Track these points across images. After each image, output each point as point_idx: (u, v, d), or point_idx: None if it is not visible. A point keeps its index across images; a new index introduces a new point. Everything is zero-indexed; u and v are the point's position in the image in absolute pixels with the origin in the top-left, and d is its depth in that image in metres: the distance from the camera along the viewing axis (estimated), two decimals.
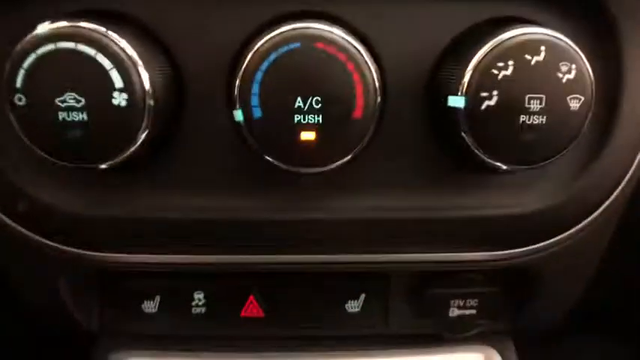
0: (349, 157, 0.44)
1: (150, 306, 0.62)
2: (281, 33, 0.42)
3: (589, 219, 0.54)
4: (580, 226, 0.54)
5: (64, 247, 0.52)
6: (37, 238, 0.52)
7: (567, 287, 0.62)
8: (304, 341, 0.65)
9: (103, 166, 0.44)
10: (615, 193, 0.53)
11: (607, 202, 0.53)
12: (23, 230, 0.51)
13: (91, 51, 0.41)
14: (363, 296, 0.63)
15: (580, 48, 0.44)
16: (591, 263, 0.60)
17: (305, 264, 0.54)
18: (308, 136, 0.43)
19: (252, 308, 0.62)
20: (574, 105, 0.44)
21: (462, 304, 0.63)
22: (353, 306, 0.63)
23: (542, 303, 0.62)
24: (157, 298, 0.61)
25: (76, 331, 0.63)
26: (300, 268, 0.55)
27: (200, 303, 0.62)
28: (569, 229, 0.54)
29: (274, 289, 0.62)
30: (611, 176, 0.52)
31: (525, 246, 0.54)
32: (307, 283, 0.62)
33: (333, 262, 0.54)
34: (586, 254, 0.58)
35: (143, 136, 0.43)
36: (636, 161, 0.52)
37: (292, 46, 0.41)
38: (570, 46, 0.43)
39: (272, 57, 0.42)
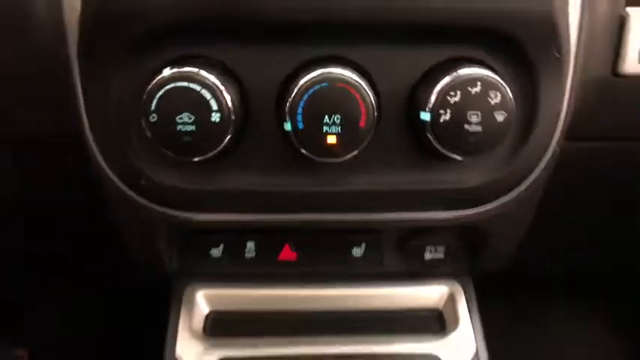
0: (357, 151, 0.63)
1: (216, 252, 0.82)
2: (316, 75, 0.60)
3: (517, 191, 0.72)
4: (511, 195, 0.73)
5: (166, 210, 0.72)
6: (148, 203, 0.72)
7: (507, 238, 0.82)
8: (325, 277, 0.89)
9: (198, 159, 0.64)
10: (535, 174, 0.71)
11: (529, 180, 0.72)
12: (139, 199, 0.71)
13: (197, 87, 0.60)
14: (364, 245, 0.83)
15: (506, 79, 0.61)
16: (524, 222, 0.82)
17: (326, 221, 0.74)
18: (332, 140, 0.62)
19: (287, 253, 0.84)
20: (500, 118, 0.62)
21: (433, 249, 0.83)
22: (357, 252, 0.83)
23: (490, 249, 0.82)
24: (221, 246, 0.82)
25: (162, 272, 0.89)
26: (322, 224, 0.77)
27: (251, 250, 0.83)
28: (503, 197, 0.73)
29: (303, 241, 0.82)
30: (531, 163, 0.71)
31: (474, 208, 0.74)
32: (326, 236, 0.82)
33: (344, 219, 0.74)
34: (518, 215, 0.80)
35: (227, 139, 0.62)
36: (549, 153, 0.71)
37: (323, 84, 0.61)
38: (497, 80, 0.60)
39: (310, 91, 0.60)
